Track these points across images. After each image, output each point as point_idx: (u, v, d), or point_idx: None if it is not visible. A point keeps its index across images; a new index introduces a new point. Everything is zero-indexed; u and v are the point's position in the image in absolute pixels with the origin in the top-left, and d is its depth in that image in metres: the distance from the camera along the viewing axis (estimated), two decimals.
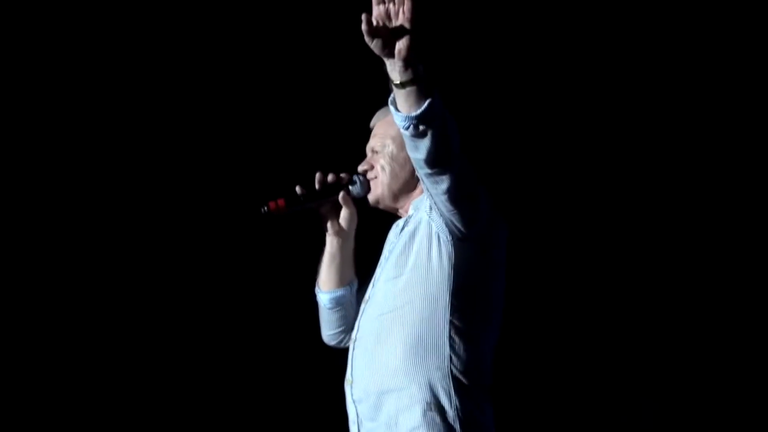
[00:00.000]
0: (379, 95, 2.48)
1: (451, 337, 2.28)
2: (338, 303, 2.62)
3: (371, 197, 2.55)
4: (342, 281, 2.62)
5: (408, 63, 1.95)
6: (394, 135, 2.49)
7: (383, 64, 2.01)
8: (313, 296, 2.68)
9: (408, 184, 2.51)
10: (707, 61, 4.05)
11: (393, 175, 2.51)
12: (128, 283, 3.95)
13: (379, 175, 2.53)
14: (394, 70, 1.97)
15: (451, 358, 2.27)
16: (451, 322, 2.28)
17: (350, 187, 2.57)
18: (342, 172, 2.58)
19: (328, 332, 2.68)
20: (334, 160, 2.67)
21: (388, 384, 2.30)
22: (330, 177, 2.56)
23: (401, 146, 2.46)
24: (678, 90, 4.08)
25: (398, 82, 1.98)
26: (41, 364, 3.87)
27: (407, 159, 2.45)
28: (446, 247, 2.29)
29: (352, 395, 2.41)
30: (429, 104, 1.99)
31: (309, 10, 3.93)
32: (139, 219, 3.95)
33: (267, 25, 3.98)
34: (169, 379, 3.96)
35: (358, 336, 2.45)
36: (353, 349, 2.45)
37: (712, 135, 4.08)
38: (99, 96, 3.94)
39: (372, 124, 2.61)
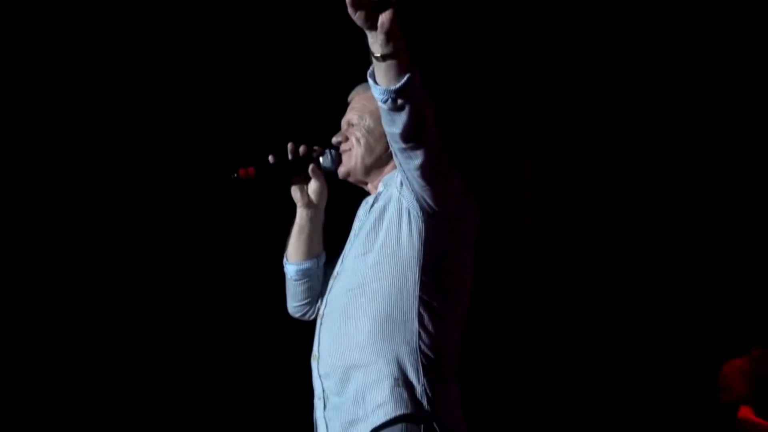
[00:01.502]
0: (357, 71, 2.48)
1: (419, 313, 2.27)
2: (305, 275, 2.61)
3: (342, 169, 2.54)
4: (309, 253, 2.60)
5: (390, 36, 1.95)
6: (372, 109, 2.47)
7: (365, 37, 2.01)
8: (281, 268, 2.67)
9: (381, 159, 2.50)
10: (696, 60, 4.09)
11: (368, 148, 2.50)
12: (93, 253, 3.91)
13: (354, 147, 2.51)
14: (376, 42, 1.97)
15: (419, 333, 2.27)
16: (420, 298, 2.28)
17: (321, 159, 2.56)
18: (316, 145, 2.58)
19: (294, 304, 2.67)
20: (312, 133, 2.66)
21: (356, 359, 2.29)
22: (302, 148, 2.56)
23: (378, 121, 2.43)
24: (660, 79, 4.13)
25: (379, 54, 1.98)
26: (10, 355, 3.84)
27: (383, 134, 2.43)
28: (416, 224, 2.29)
29: (318, 370, 2.40)
30: (408, 78, 2.00)
31: None
32: (110, 188, 3.92)
33: None
34: (134, 352, 3.93)
35: (325, 311, 2.44)
36: (320, 324, 2.44)
37: (690, 126, 4.14)
38: (67, 75, 3.88)
39: (350, 98, 2.60)
